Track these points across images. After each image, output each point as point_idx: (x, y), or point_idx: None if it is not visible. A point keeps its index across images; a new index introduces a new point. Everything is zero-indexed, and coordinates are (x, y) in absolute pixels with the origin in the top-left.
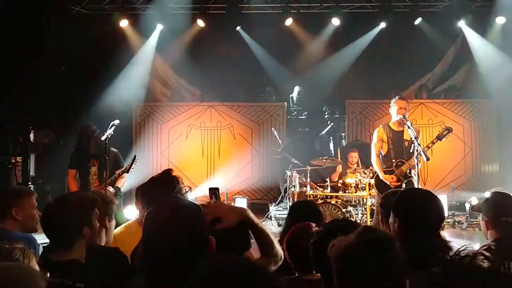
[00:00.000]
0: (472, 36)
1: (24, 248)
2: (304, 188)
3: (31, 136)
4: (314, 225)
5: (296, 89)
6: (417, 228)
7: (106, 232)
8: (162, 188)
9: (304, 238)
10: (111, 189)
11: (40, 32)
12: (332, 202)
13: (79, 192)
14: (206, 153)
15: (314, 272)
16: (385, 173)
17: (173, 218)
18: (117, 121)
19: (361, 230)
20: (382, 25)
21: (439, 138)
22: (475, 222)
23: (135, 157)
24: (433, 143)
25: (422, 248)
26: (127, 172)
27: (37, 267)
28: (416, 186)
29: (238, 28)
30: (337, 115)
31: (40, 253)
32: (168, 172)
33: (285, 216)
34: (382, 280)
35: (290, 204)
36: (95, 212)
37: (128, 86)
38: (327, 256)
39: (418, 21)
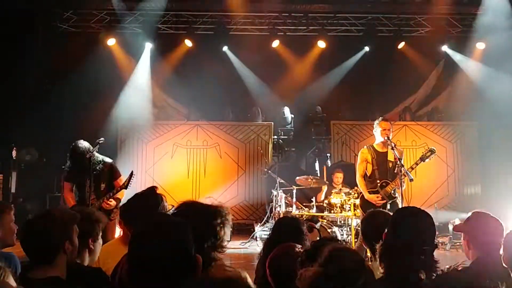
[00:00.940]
0: (456, 58)
1: (3, 266)
2: (290, 208)
3: (13, 153)
4: (299, 246)
5: (287, 109)
6: (411, 247)
7: (90, 253)
8: (146, 204)
9: (288, 258)
10: (112, 201)
11: (25, 48)
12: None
13: (59, 208)
14: (192, 172)
15: None
16: (370, 193)
17: (161, 235)
18: (102, 139)
19: (327, 258)
20: (367, 48)
21: (422, 159)
22: (458, 243)
23: (132, 173)
24: (416, 164)
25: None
26: (125, 188)
27: (14, 285)
28: (400, 206)
29: (224, 48)
30: (323, 138)
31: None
32: (152, 188)
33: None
34: None
35: None
36: (75, 228)
37: (117, 105)
38: None
39: (401, 45)
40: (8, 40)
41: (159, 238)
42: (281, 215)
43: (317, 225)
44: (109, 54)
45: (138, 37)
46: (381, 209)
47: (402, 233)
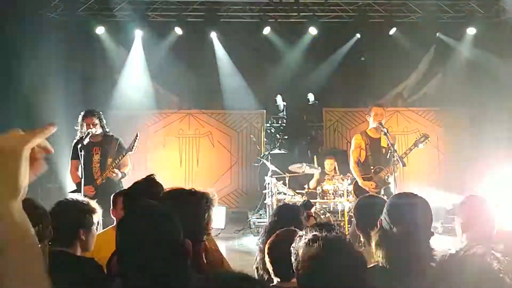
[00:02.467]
0: (448, 44)
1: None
2: (283, 196)
3: None
4: (299, 232)
5: (279, 97)
6: (406, 234)
7: (82, 244)
8: (146, 191)
9: (288, 244)
10: (118, 173)
11: (13, 38)
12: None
13: (67, 199)
14: (185, 161)
15: (293, 279)
16: (363, 180)
17: (146, 223)
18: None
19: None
20: (358, 35)
21: (416, 144)
22: (450, 227)
23: (137, 135)
24: (410, 149)
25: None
26: (131, 150)
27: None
28: (393, 192)
29: (215, 35)
30: (315, 125)
31: None
32: (151, 176)
33: (265, 224)
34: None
35: (270, 211)
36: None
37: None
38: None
39: (393, 31)
40: None
41: (146, 226)
42: (274, 203)
43: (312, 210)
44: (99, 42)
45: (127, 25)
46: (374, 194)
47: (399, 220)
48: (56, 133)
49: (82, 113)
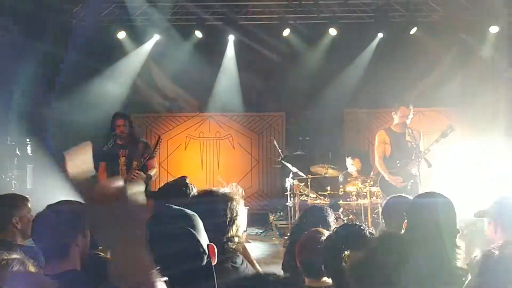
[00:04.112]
0: (469, 43)
1: (22, 258)
2: (305, 197)
3: (28, 148)
4: (326, 232)
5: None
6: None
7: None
8: (177, 192)
9: (316, 243)
10: (142, 175)
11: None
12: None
13: (69, 200)
14: (206, 164)
15: (322, 279)
16: (390, 175)
17: (170, 228)
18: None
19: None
20: (380, 35)
21: (443, 136)
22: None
23: (159, 137)
24: (437, 141)
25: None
26: (152, 154)
27: None
28: (419, 187)
29: (233, 38)
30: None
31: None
32: (183, 177)
33: (286, 225)
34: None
35: (292, 213)
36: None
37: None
38: (338, 260)
39: (413, 30)
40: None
41: (168, 230)
42: (296, 205)
43: (340, 211)
44: (120, 46)
45: (147, 29)
46: (401, 195)
47: (420, 224)
48: (74, 134)
49: (113, 115)
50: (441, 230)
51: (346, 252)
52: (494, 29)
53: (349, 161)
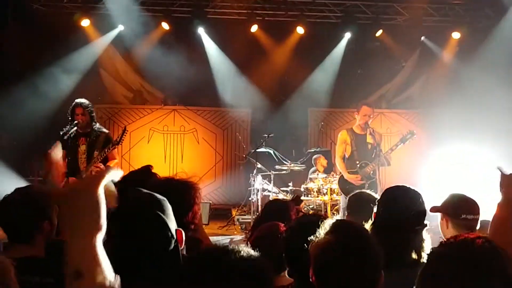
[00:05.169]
0: (432, 47)
1: None
2: (268, 193)
3: None
4: (282, 225)
5: None
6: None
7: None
8: (141, 179)
9: (272, 238)
10: (102, 166)
11: None
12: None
13: (38, 186)
14: (169, 158)
15: (282, 274)
16: (349, 174)
17: (139, 211)
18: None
19: (333, 228)
20: (348, 35)
21: (402, 141)
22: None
23: (125, 128)
24: (396, 145)
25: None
26: (118, 144)
27: None
28: (378, 187)
29: (201, 31)
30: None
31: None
32: (148, 166)
33: (248, 220)
34: (360, 274)
35: (255, 208)
36: (54, 208)
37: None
38: (302, 251)
39: (379, 33)
40: None
41: (138, 215)
42: (259, 200)
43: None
44: (84, 35)
45: (113, 19)
46: (363, 190)
47: (394, 212)
48: (34, 123)
49: (72, 104)
50: (408, 219)
51: (308, 238)
52: (456, 35)
53: (315, 158)
